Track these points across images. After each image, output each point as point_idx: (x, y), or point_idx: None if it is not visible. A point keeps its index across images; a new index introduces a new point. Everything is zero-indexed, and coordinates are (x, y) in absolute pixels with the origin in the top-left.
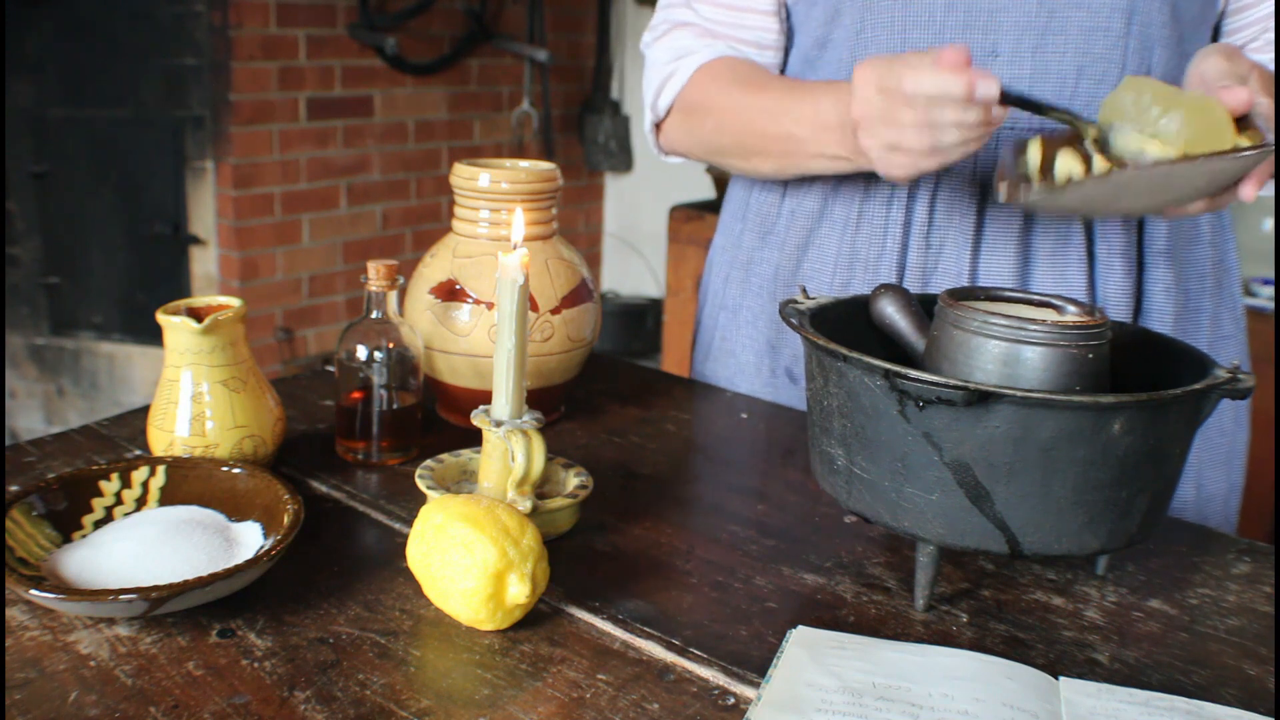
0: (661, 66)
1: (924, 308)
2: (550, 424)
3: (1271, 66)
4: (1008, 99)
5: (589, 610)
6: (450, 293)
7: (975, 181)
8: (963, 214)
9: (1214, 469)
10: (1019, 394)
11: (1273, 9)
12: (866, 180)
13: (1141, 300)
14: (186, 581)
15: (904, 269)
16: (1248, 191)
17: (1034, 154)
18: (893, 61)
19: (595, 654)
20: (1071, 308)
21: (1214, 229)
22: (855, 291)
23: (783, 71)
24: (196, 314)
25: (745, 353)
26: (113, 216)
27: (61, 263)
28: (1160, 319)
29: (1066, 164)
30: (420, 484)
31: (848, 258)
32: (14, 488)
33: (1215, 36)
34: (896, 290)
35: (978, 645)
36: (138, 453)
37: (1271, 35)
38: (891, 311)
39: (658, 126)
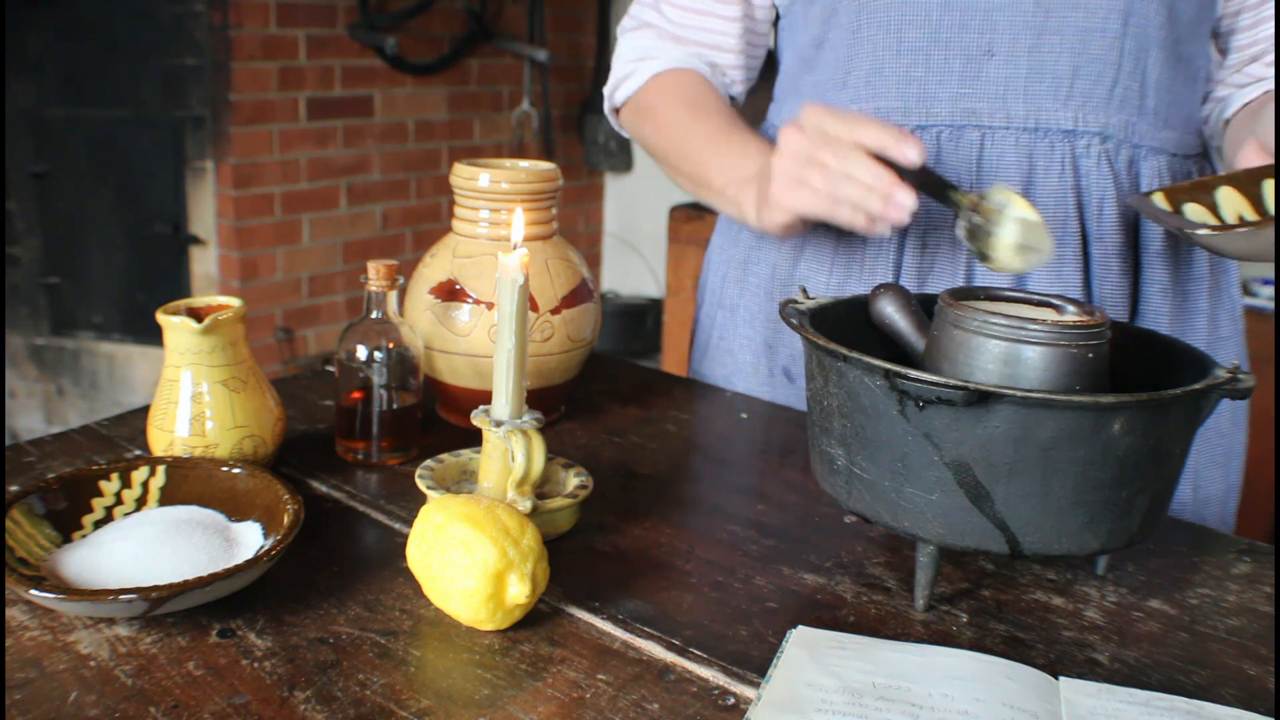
0: (623, 64)
1: (923, 307)
2: (550, 424)
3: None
4: (923, 174)
5: (589, 610)
6: (450, 293)
7: (972, 182)
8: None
9: (1211, 470)
10: (1019, 394)
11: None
12: None
13: (1138, 301)
14: (186, 581)
15: (900, 269)
16: None
17: (1160, 201)
18: (831, 110)
19: (595, 654)
20: (1071, 307)
21: None
22: (852, 291)
23: (776, 74)
24: (196, 314)
25: (743, 352)
26: (113, 216)
27: (61, 263)
28: (1156, 320)
29: (1232, 205)
30: (420, 484)
31: (845, 257)
32: (14, 488)
33: (1220, 49)
34: (896, 289)
35: (978, 645)
36: (138, 453)
37: None
38: (891, 311)
39: (616, 111)
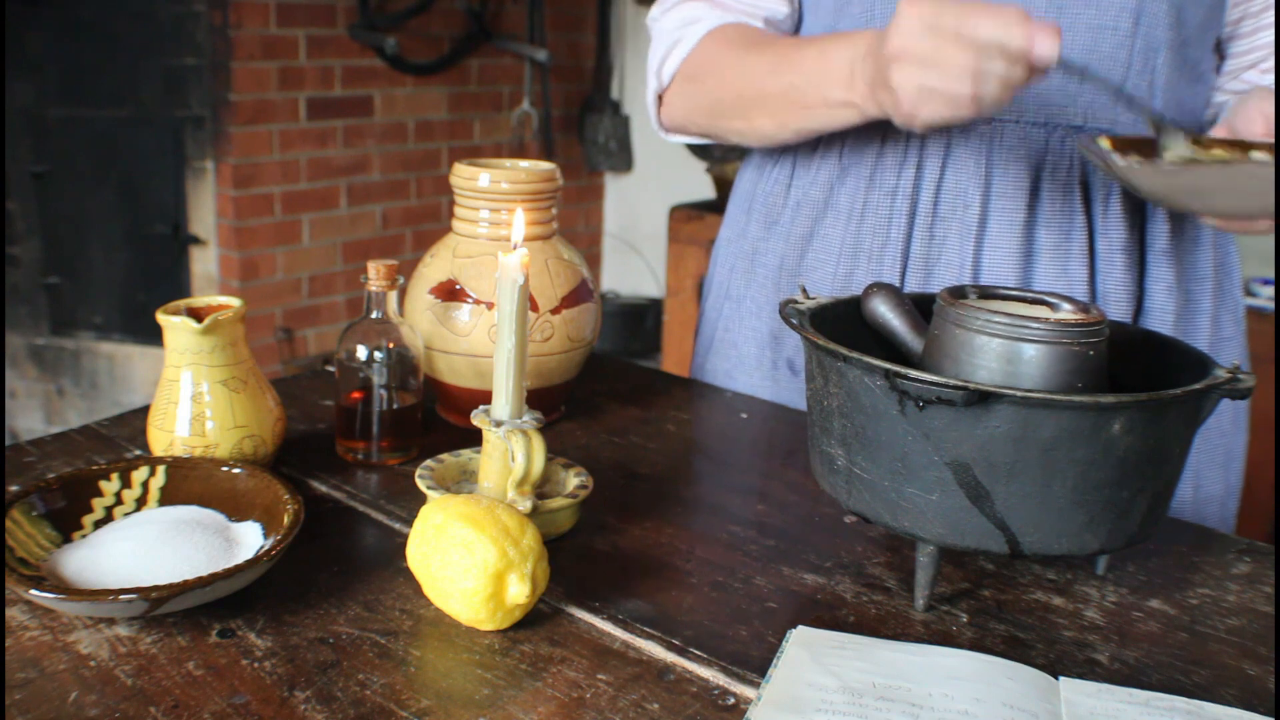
0: (668, 34)
1: (915, 305)
2: (550, 424)
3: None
4: (1064, 65)
5: (589, 610)
6: (450, 293)
7: (980, 175)
8: (965, 207)
9: (1212, 470)
10: (1019, 394)
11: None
12: (871, 170)
13: (1143, 298)
14: (186, 581)
15: (907, 260)
16: None
17: (1104, 143)
18: (945, 2)
19: (595, 654)
20: (1066, 305)
21: (1216, 231)
22: (859, 282)
23: None
24: (196, 314)
25: (747, 344)
26: (113, 216)
27: (61, 263)
28: (1161, 318)
29: (1179, 148)
30: (420, 484)
31: (851, 248)
32: (14, 488)
33: (1220, 55)
34: (888, 289)
35: (978, 645)
36: (138, 453)
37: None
38: (884, 310)
39: (660, 98)
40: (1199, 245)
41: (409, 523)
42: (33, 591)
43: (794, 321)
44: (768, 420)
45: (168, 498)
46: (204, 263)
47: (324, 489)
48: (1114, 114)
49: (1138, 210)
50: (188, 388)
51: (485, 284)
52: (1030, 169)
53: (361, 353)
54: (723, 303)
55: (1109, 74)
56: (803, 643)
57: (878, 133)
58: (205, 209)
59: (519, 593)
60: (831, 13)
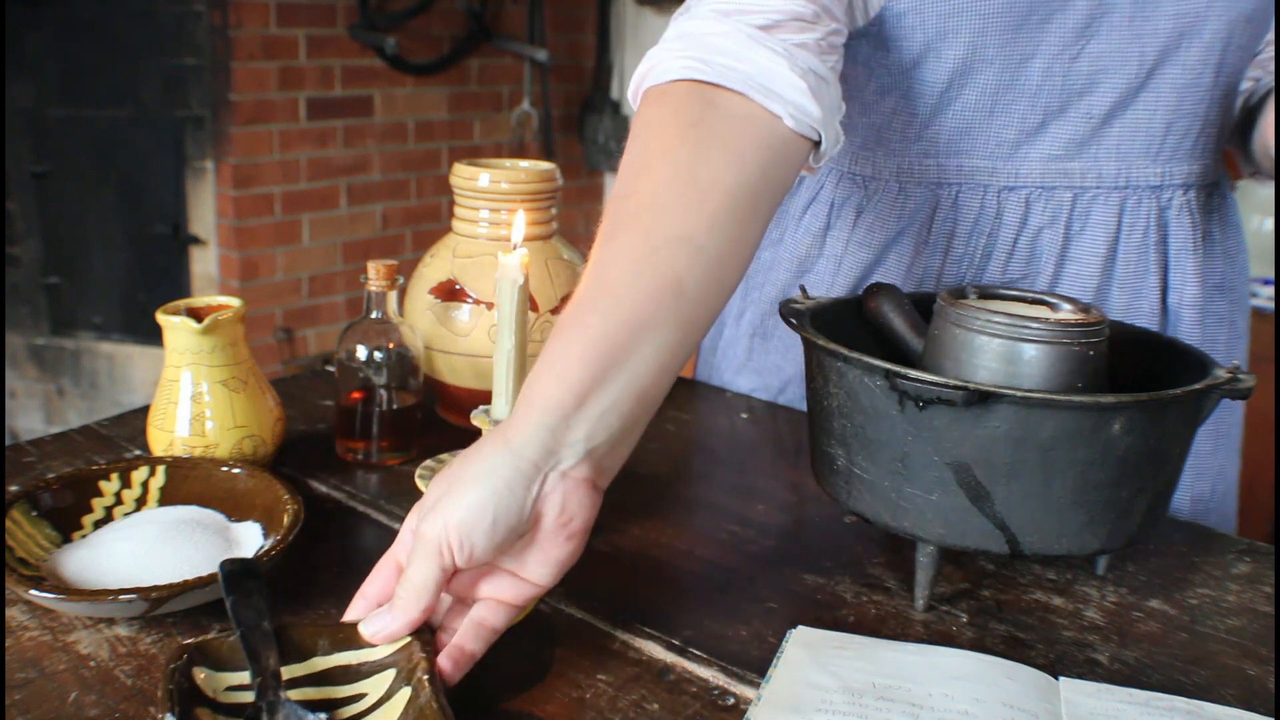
0: (652, 54)
1: (915, 305)
2: None
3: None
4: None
5: (589, 610)
6: (450, 293)
7: (1057, 242)
8: (1037, 274)
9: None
10: (1019, 394)
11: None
12: (928, 234)
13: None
14: (186, 581)
15: None
16: None
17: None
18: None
19: (595, 654)
20: (1066, 305)
21: (1225, 236)
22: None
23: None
24: (196, 314)
25: (773, 375)
26: (113, 216)
27: (61, 263)
28: (1212, 350)
29: None
30: (420, 484)
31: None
32: (14, 488)
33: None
34: (890, 289)
35: (978, 645)
36: (138, 453)
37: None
38: (885, 310)
39: None
40: (1233, 260)
41: None
42: (33, 591)
43: (793, 321)
44: (768, 420)
45: (168, 498)
46: (204, 263)
47: (324, 489)
48: (1189, 167)
49: (1200, 258)
50: (188, 388)
51: (485, 284)
52: (1109, 234)
53: (361, 353)
54: (749, 338)
55: (1188, 130)
56: (803, 643)
57: (937, 194)
58: (205, 209)
59: None
60: (896, 73)
